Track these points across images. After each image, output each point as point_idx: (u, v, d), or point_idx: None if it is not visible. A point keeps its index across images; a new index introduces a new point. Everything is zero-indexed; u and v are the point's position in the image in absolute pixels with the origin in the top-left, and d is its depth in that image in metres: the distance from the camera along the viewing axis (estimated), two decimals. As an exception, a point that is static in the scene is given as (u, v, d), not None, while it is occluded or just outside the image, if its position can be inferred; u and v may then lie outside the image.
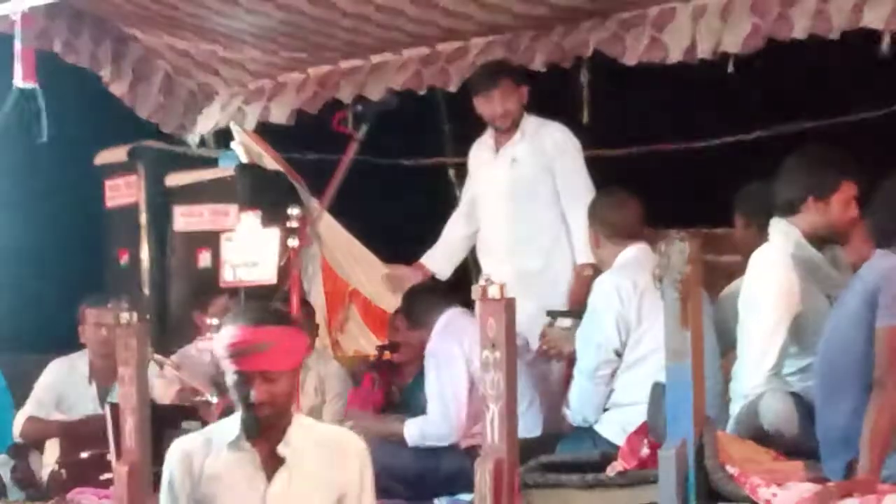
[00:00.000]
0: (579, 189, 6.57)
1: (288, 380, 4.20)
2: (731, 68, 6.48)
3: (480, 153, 6.92)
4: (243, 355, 4.17)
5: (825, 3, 6.14)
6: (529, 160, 6.67)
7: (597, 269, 6.17)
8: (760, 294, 5.13)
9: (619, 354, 5.58)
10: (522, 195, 6.67)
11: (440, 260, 6.99)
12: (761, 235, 5.58)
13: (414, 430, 6.12)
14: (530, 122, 6.72)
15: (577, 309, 6.17)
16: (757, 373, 5.07)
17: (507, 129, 6.71)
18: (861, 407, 4.47)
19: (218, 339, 4.28)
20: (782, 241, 5.21)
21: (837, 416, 4.60)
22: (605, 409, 5.68)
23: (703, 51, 6.53)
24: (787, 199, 5.23)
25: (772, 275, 5.13)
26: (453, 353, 6.13)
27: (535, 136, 6.69)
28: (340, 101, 7.82)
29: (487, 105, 6.67)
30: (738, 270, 5.69)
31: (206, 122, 8.54)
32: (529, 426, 5.96)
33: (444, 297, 6.46)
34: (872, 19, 5.98)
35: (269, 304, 4.81)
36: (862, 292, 4.59)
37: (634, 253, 5.70)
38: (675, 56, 6.63)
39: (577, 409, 5.67)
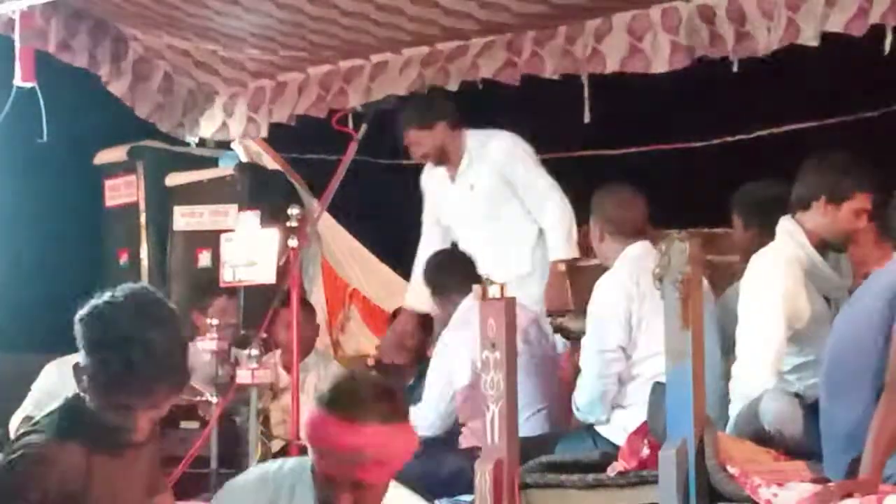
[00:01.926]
0: (540, 190, 6.72)
1: (385, 486, 3.39)
2: (735, 68, 6.47)
3: (435, 181, 7.05)
4: (335, 458, 3.30)
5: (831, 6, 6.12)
6: (486, 180, 6.81)
7: (570, 264, 6.26)
8: (760, 293, 5.13)
9: (624, 351, 5.54)
10: (492, 215, 6.79)
11: (423, 296, 6.94)
12: (761, 236, 5.57)
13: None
14: (475, 141, 6.83)
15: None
16: (757, 372, 5.07)
17: (446, 160, 6.84)
18: (870, 407, 4.46)
19: (307, 421, 3.39)
20: (786, 239, 5.21)
21: (844, 414, 4.59)
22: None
23: (709, 52, 6.52)
24: (799, 195, 5.24)
25: (773, 274, 5.13)
26: (460, 348, 6.10)
27: (483, 153, 6.82)
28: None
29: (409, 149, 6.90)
30: (738, 270, 5.68)
31: (210, 126, 8.50)
32: (529, 426, 5.95)
33: (469, 274, 6.30)
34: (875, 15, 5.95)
35: (378, 381, 3.51)
36: (880, 293, 4.57)
37: (638, 251, 5.67)
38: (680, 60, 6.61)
39: (586, 409, 5.63)
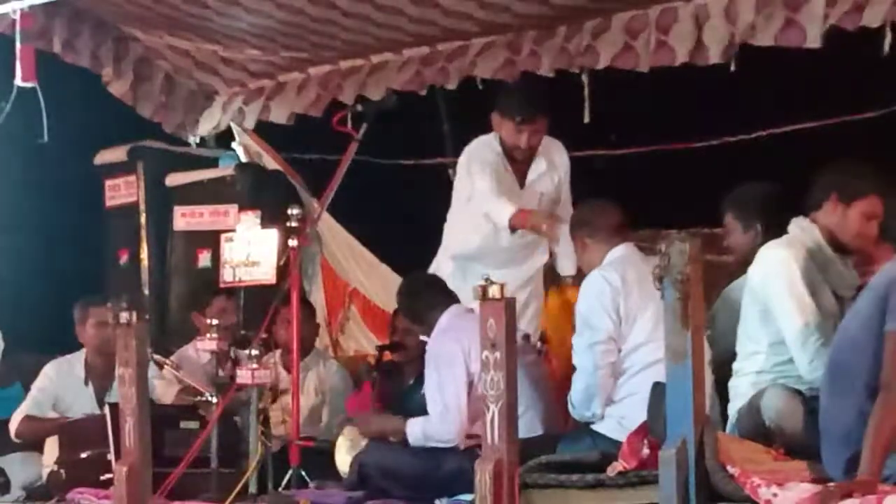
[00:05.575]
0: (569, 202, 6.71)
1: None
2: (732, 67, 6.47)
3: (499, 171, 6.65)
4: None
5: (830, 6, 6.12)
6: (551, 187, 6.71)
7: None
8: (779, 286, 5.12)
9: (615, 342, 5.58)
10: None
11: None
12: (764, 236, 5.57)
13: (416, 430, 6.06)
14: (543, 145, 6.72)
15: None
16: (803, 356, 5.06)
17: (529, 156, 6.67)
18: (865, 407, 4.49)
19: None
20: (797, 233, 5.23)
21: (842, 413, 4.61)
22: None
23: (708, 51, 6.52)
24: (812, 195, 5.28)
25: (785, 262, 5.13)
26: (454, 353, 6.07)
27: (549, 159, 6.70)
28: (340, 101, 7.81)
29: (518, 136, 6.52)
30: (738, 270, 5.68)
31: (208, 124, 8.53)
32: (529, 426, 5.94)
33: (444, 293, 6.39)
34: (871, 19, 5.96)
35: None
36: (873, 297, 4.63)
37: (622, 251, 5.75)
38: (681, 58, 6.61)
39: (583, 405, 5.63)
